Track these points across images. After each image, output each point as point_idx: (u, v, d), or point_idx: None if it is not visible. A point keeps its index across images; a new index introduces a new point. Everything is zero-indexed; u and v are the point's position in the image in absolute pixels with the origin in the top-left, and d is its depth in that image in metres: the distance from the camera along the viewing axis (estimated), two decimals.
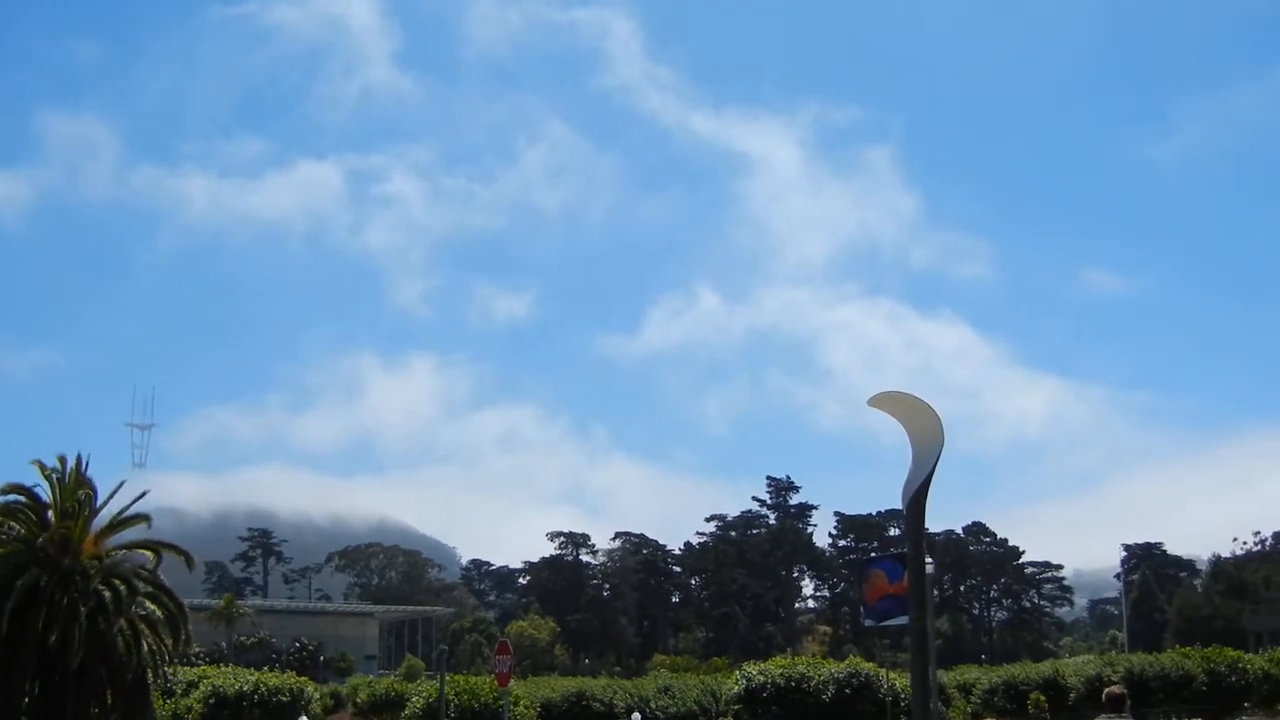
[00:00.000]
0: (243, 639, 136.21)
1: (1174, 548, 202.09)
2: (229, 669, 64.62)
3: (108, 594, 38.76)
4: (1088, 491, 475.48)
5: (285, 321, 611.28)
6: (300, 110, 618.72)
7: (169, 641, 41.69)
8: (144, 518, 42.26)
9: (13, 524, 41.03)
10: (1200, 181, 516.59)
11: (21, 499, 40.83)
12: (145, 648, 40.05)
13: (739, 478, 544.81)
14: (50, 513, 40.69)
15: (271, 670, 62.12)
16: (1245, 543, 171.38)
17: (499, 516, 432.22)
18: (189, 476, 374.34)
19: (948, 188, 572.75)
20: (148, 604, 41.07)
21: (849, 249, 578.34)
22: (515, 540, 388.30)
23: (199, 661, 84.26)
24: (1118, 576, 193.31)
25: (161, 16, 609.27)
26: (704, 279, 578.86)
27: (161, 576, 42.39)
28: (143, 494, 42.65)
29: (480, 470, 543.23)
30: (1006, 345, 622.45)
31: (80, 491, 40.73)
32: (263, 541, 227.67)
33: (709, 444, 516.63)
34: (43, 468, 40.61)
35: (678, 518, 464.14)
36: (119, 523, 42.31)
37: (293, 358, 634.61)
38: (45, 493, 40.86)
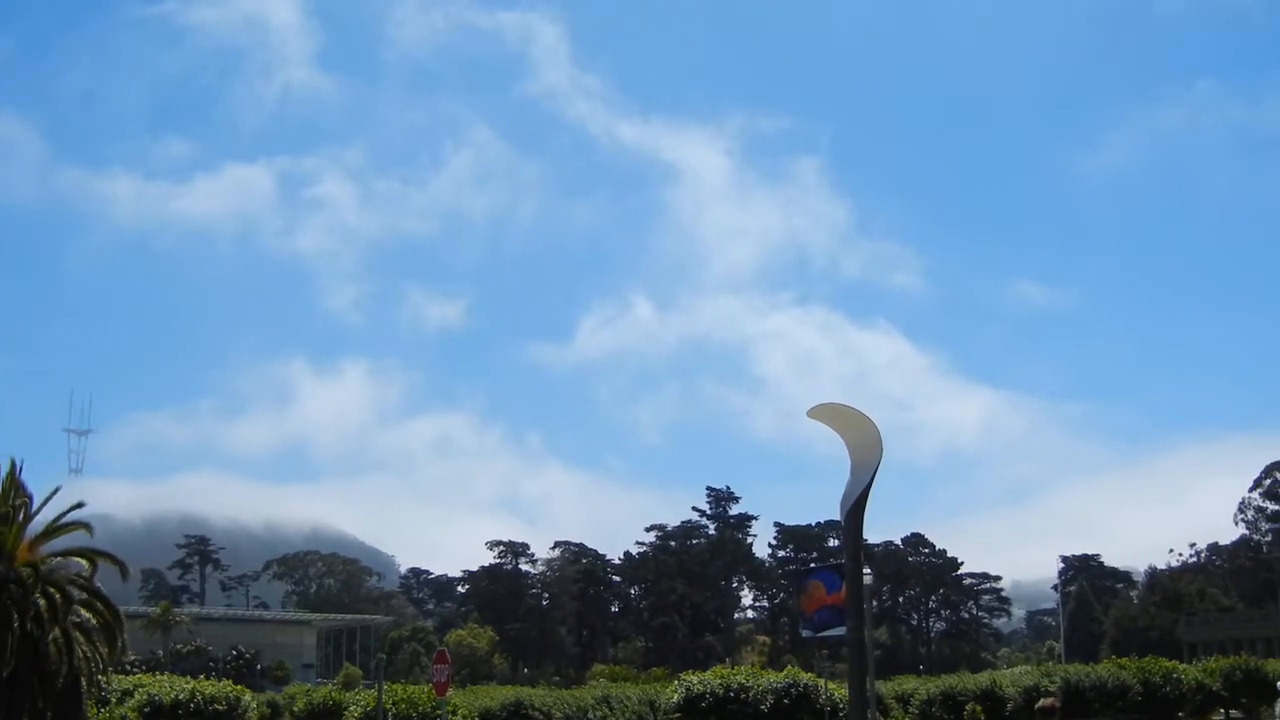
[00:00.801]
0: (179, 647, 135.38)
1: (1111, 560, 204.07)
2: (165, 677, 64.03)
3: (42, 602, 38.44)
4: (1023, 502, 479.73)
5: (215, 327, 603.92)
6: (220, 111, 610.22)
7: (104, 650, 41.34)
8: (83, 525, 41.93)
9: None
10: (1125, 194, 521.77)
11: None
12: (79, 656, 39.72)
13: (674, 486, 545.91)
14: None
15: (208, 679, 61.54)
16: (1181, 555, 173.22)
17: (435, 524, 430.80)
18: (119, 483, 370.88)
19: (877, 197, 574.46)
20: (83, 611, 40.73)
21: (779, 258, 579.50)
22: (453, 549, 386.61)
23: (134, 670, 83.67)
24: (1055, 588, 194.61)
25: (73, 12, 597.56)
26: (636, 287, 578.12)
27: (98, 584, 42.07)
28: (78, 504, 42.30)
29: (415, 478, 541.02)
30: (941, 355, 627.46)
31: (15, 498, 40.38)
32: (199, 549, 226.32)
33: (643, 452, 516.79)
34: None
35: (614, 526, 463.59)
36: (55, 529, 41.96)
37: (223, 364, 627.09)
38: None
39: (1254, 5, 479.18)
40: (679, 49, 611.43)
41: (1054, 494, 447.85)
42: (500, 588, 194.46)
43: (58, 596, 39.22)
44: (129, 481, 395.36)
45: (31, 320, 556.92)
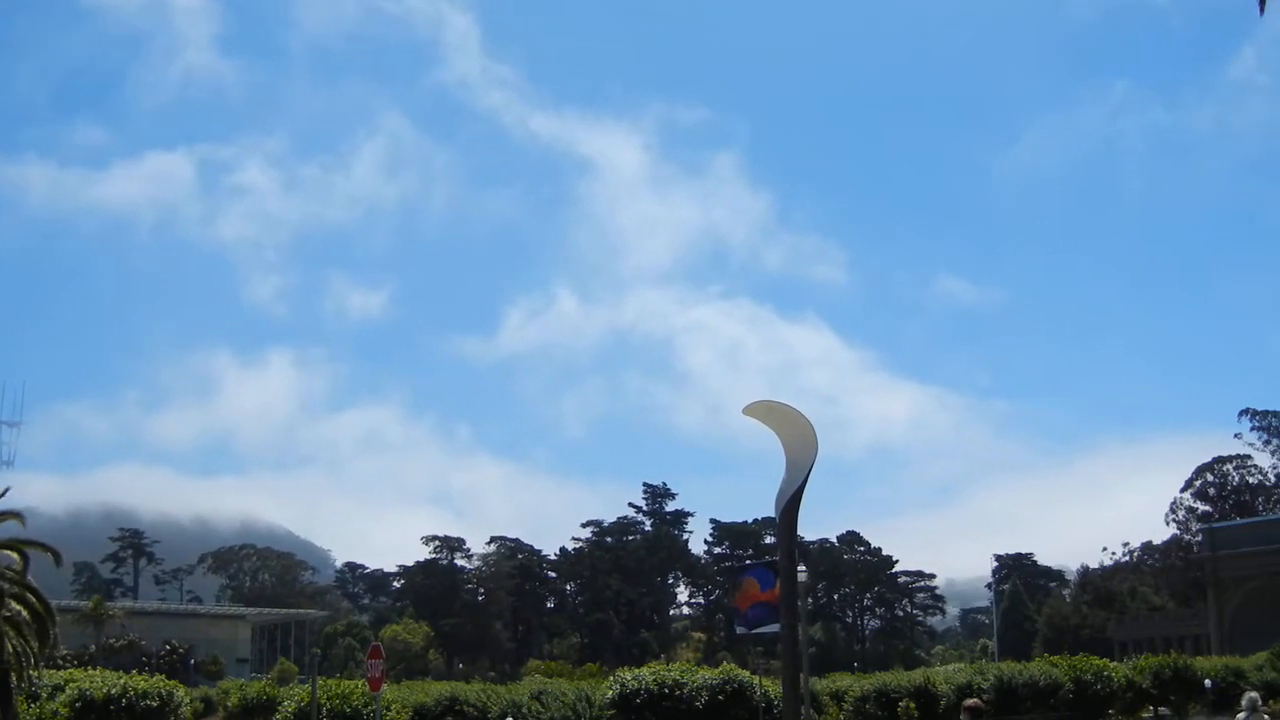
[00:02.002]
0: (112, 641, 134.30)
1: (1043, 559, 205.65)
2: (97, 672, 63.43)
3: None
4: (952, 500, 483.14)
5: (136, 317, 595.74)
6: (127, 96, 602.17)
7: (35, 644, 41.04)
8: (14, 515, 41.55)
9: None
10: (1047, 193, 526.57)
11: None
12: (9, 649, 39.39)
13: (603, 479, 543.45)
14: None
15: (141, 673, 61.04)
16: (1114, 554, 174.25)
17: (366, 518, 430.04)
18: (40, 476, 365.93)
19: (798, 190, 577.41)
20: (14, 605, 40.37)
21: (701, 250, 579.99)
22: (386, 542, 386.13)
23: (66, 664, 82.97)
24: (989, 586, 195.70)
25: None
26: (559, 280, 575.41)
27: (29, 577, 41.69)
28: (3, 491, 41.88)
29: (344, 471, 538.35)
30: (868, 350, 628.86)
31: None
32: (133, 542, 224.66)
33: (569, 445, 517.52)
34: None
35: (545, 520, 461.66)
36: None
37: (145, 354, 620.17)
38: None
39: (1171, 9, 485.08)
40: (592, 40, 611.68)
41: (983, 492, 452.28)
42: (436, 583, 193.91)
43: None
44: (50, 474, 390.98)
45: None
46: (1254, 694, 31.76)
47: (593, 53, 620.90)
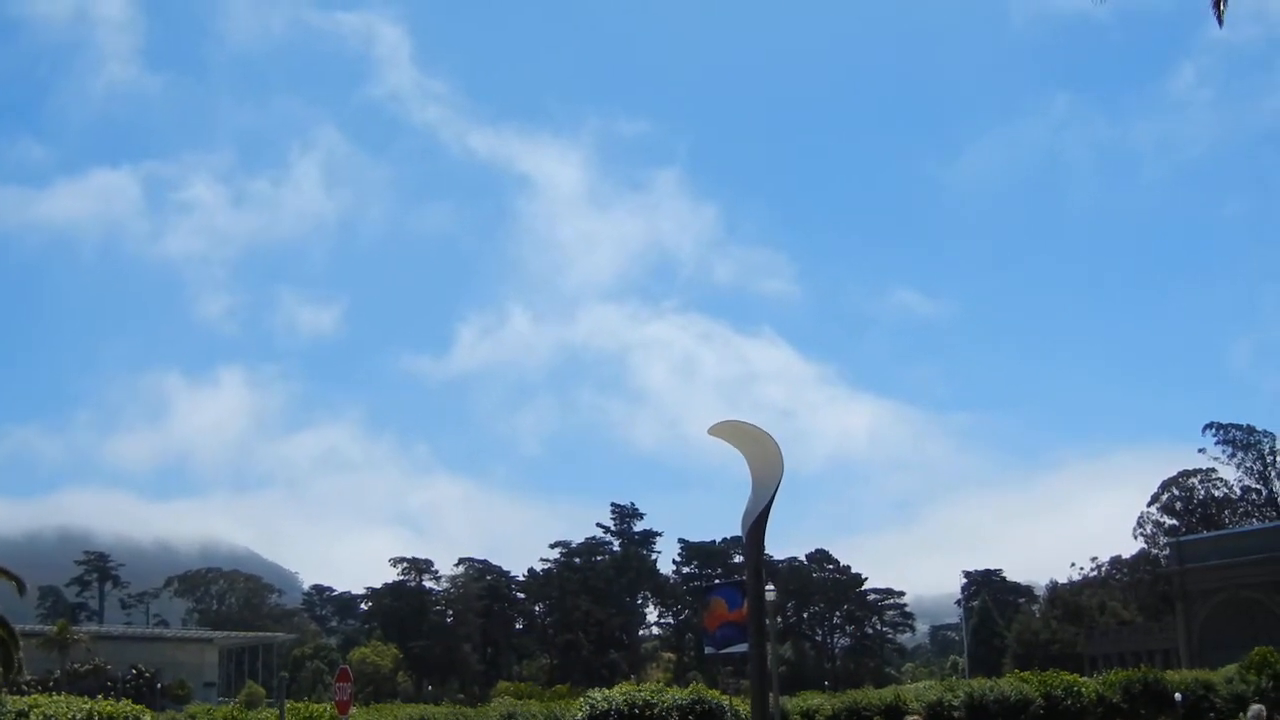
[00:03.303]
0: (77, 666, 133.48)
1: (1013, 574, 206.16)
2: (61, 697, 62.85)
3: None
4: (913, 514, 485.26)
5: (83, 336, 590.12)
6: (54, 110, 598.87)
7: None
8: None
9: None
10: (994, 204, 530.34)
11: None
12: None
13: (563, 496, 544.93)
14: None
15: (106, 698, 60.57)
16: (1082, 569, 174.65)
17: (328, 538, 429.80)
18: None
19: (744, 203, 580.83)
20: None
21: (649, 266, 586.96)
22: (351, 563, 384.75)
23: (30, 690, 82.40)
24: (958, 603, 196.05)
25: None
26: (506, 297, 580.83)
27: None
28: None
29: (304, 491, 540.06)
30: (824, 364, 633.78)
31: None
32: (98, 566, 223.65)
33: (527, 463, 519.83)
34: None
35: (510, 538, 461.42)
36: None
37: (93, 373, 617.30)
38: None
39: (1111, 24, 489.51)
40: (527, 53, 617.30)
41: (946, 507, 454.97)
42: (404, 605, 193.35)
43: None
44: (2, 497, 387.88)
45: None
46: (1259, 706, 31.77)
47: (528, 66, 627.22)
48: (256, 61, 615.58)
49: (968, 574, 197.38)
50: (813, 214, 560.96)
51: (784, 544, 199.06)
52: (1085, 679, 65.37)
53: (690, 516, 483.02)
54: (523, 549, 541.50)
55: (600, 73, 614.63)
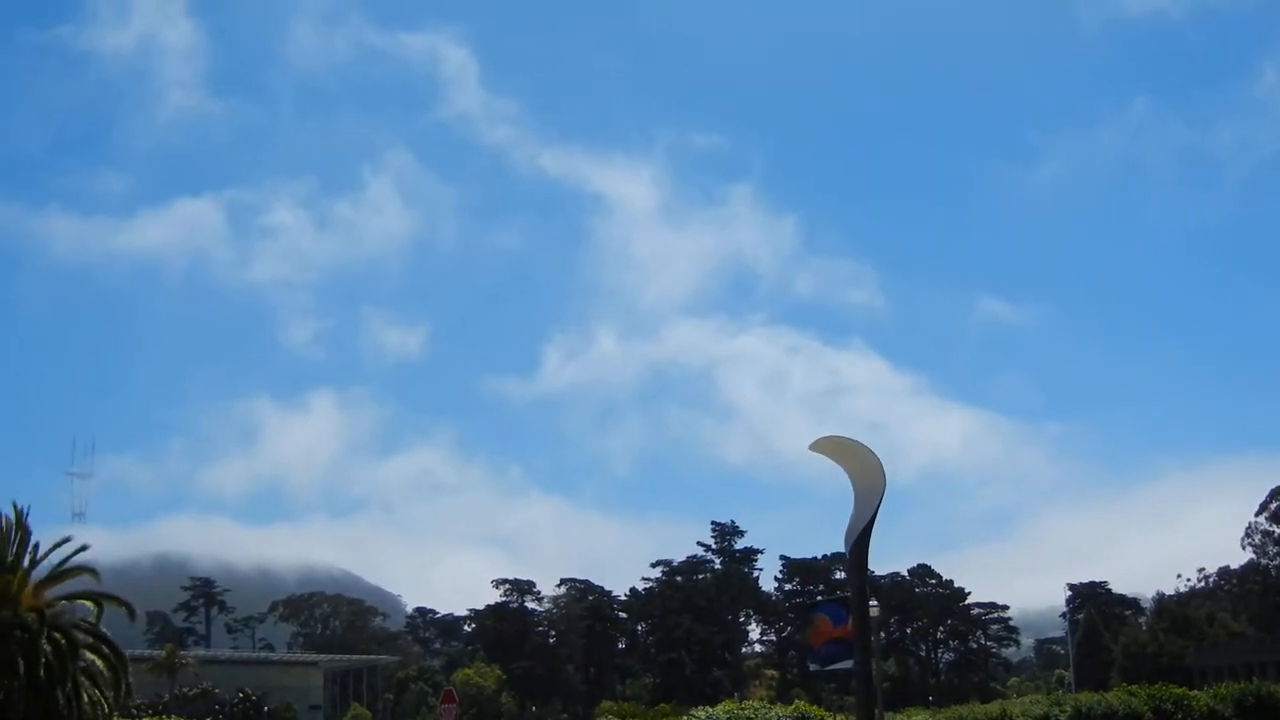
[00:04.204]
0: (185, 690, 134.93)
1: (1117, 586, 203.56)
2: None
3: (49, 648, 38.37)
4: (1010, 527, 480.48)
5: (172, 365, 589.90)
6: (124, 141, 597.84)
7: (110, 694, 41.29)
8: (88, 569, 41.91)
9: None
10: (1069, 210, 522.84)
11: None
12: (86, 700, 39.65)
13: (656, 514, 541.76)
14: None
15: None
16: (1189, 580, 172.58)
17: (426, 561, 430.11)
18: (90, 527, 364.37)
19: (822, 213, 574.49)
20: (88, 655, 40.68)
21: (730, 280, 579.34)
22: (450, 585, 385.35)
23: (140, 714, 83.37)
24: (1063, 616, 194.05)
25: None
26: (589, 317, 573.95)
27: (103, 628, 42.02)
28: (83, 547, 42.25)
29: (400, 514, 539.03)
30: (915, 374, 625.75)
31: (19, 543, 40.36)
32: (204, 591, 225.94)
33: (618, 482, 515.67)
34: None
35: (605, 557, 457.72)
36: (60, 574, 41.92)
37: (184, 403, 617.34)
38: None
39: (1187, 24, 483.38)
40: (594, 71, 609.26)
41: (1044, 518, 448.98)
42: (506, 626, 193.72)
43: (64, 642, 39.17)
44: (101, 526, 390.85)
45: None
46: None
47: (595, 83, 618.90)
48: (321, 85, 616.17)
49: (1072, 586, 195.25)
50: (891, 224, 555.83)
51: (883, 558, 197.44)
52: (1195, 692, 64.40)
53: (787, 532, 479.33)
54: (617, 567, 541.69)
55: (670, 87, 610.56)
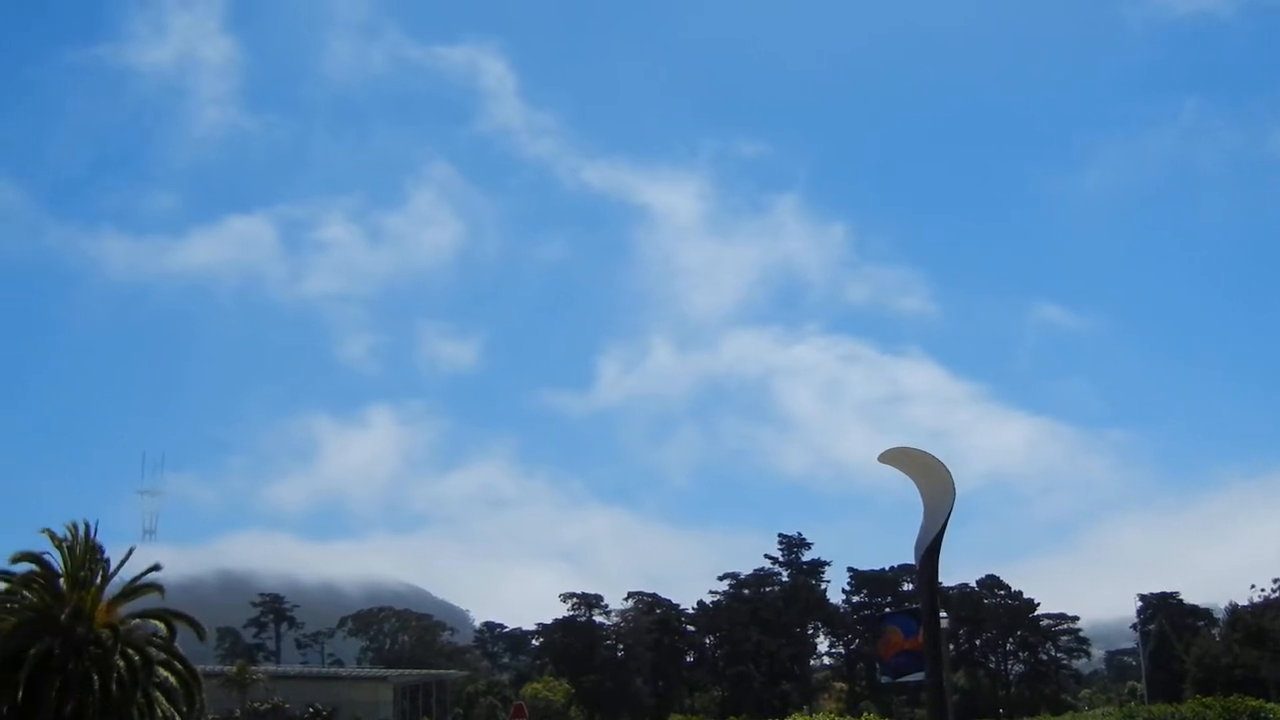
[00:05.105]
0: (256, 705, 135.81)
1: (1190, 596, 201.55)
2: None
3: (122, 664, 38.76)
4: (1076, 536, 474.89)
5: (229, 383, 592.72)
6: (161, 157, 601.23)
7: (183, 709, 41.68)
8: (157, 587, 42.32)
9: (25, 592, 41.10)
10: (1121, 217, 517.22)
11: (34, 567, 40.93)
12: (159, 715, 40.02)
13: (717, 525, 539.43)
14: (62, 581, 40.76)
15: None
16: (1263, 590, 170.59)
17: (491, 575, 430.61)
18: (153, 545, 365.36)
19: (871, 220, 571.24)
20: (161, 671, 41.06)
21: (780, 290, 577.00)
22: (516, 599, 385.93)
23: None
24: (1134, 627, 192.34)
25: (6, 63, 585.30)
26: (643, 329, 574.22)
27: (175, 644, 42.41)
28: (155, 566, 42.70)
29: (463, 529, 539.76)
30: (974, 382, 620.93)
31: (91, 561, 40.80)
32: (274, 607, 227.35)
33: (678, 494, 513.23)
34: (54, 536, 40.71)
35: (669, 569, 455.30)
36: (132, 591, 42.33)
37: (242, 419, 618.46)
38: (56, 561, 40.95)
39: (1236, 23, 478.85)
40: (634, 82, 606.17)
41: (1108, 527, 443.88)
42: (574, 640, 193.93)
43: (137, 658, 39.57)
44: (166, 544, 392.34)
45: (38, 384, 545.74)
46: None
47: (636, 94, 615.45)
48: (358, 99, 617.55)
49: (1142, 597, 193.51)
50: (941, 230, 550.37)
51: (948, 569, 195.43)
52: (1271, 704, 63.84)
53: (848, 543, 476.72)
54: (680, 579, 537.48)
55: (712, 95, 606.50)
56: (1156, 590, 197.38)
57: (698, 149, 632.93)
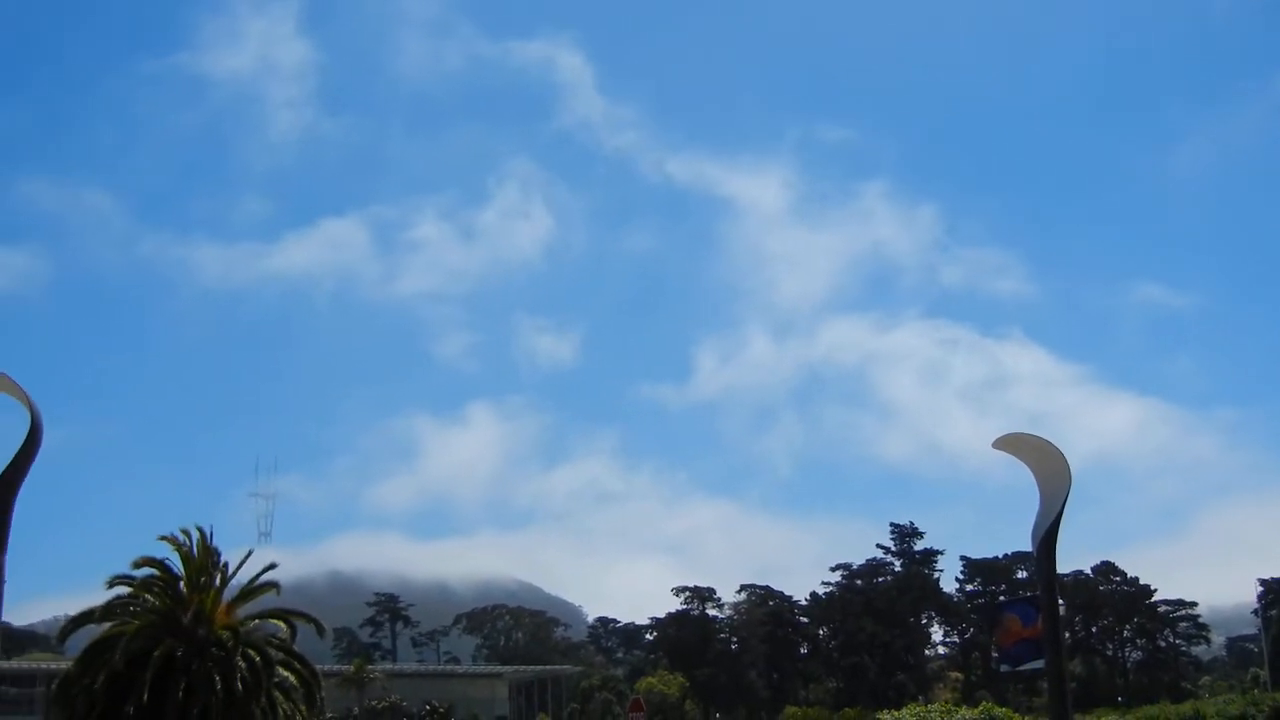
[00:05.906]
0: (374, 703, 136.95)
1: None
2: None
3: (243, 664, 39.28)
4: (1188, 519, 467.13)
5: (328, 385, 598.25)
6: (242, 163, 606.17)
7: (304, 708, 42.15)
8: (273, 586, 42.82)
9: (147, 596, 41.74)
10: (1216, 193, 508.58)
11: (154, 572, 41.56)
12: (281, 714, 40.51)
13: (818, 513, 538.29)
14: (182, 584, 41.36)
15: None
16: None
17: (600, 569, 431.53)
18: (261, 548, 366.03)
19: (961, 202, 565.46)
20: (282, 671, 41.57)
21: (872, 275, 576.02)
22: (627, 593, 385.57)
23: None
24: (1255, 612, 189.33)
25: (88, 74, 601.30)
26: (738, 320, 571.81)
27: (294, 645, 42.93)
28: (271, 565, 43.19)
29: (570, 524, 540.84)
30: (1078, 364, 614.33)
31: (210, 563, 41.37)
32: (389, 607, 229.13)
33: (782, 484, 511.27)
34: (173, 541, 41.30)
35: (777, 559, 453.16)
36: (249, 592, 42.89)
37: (343, 421, 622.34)
38: (176, 565, 41.55)
39: None
40: (713, 70, 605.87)
41: (1221, 509, 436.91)
42: (688, 633, 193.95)
43: (258, 658, 40.08)
44: (276, 546, 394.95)
45: (136, 389, 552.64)
46: None
47: (716, 82, 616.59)
48: (435, 97, 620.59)
49: (1263, 582, 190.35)
50: (1034, 210, 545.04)
51: (1062, 556, 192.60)
52: None
53: (956, 529, 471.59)
54: (787, 569, 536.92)
55: (793, 81, 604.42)
56: (1277, 574, 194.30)
57: (781, 137, 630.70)
